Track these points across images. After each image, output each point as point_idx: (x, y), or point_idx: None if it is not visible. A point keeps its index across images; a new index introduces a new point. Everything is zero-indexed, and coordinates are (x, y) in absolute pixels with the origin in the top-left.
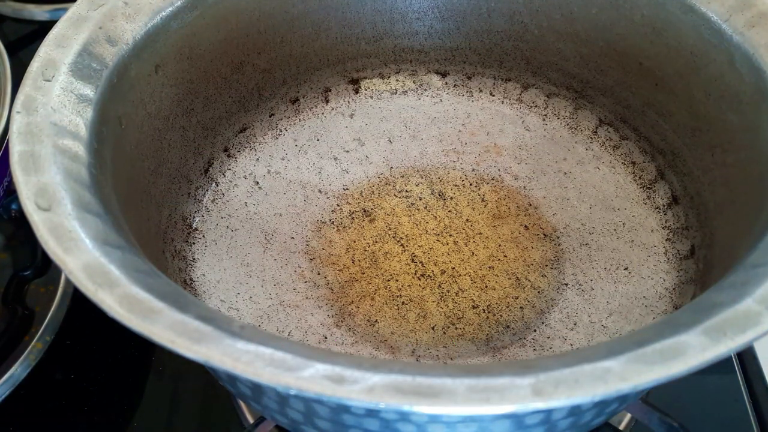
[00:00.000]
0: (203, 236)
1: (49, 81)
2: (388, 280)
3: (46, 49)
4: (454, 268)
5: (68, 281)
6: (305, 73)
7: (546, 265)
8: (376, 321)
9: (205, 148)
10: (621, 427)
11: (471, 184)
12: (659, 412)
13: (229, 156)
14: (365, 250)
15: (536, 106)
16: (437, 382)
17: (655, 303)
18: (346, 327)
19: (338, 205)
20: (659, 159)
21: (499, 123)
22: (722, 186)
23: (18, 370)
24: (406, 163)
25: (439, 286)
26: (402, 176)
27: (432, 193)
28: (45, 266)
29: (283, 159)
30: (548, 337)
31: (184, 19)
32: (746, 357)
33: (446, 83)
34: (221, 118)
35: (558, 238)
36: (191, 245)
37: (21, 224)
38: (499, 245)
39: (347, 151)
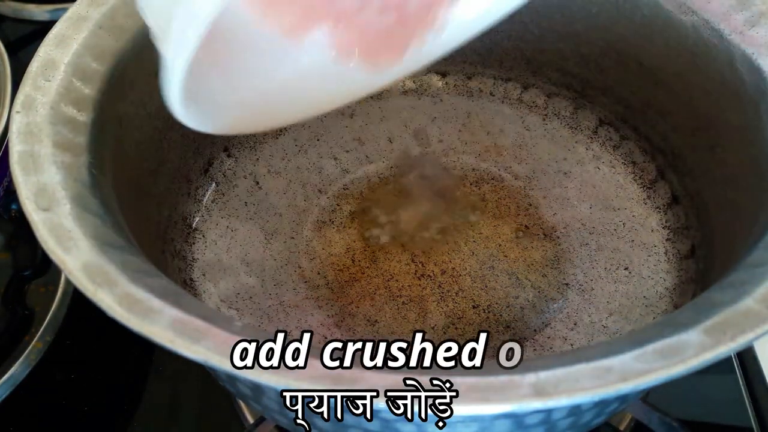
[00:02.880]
0: (203, 236)
1: (49, 81)
2: (388, 280)
3: (46, 49)
4: (454, 268)
5: (68, 281)
6: None
7: (546, 265)
8: (376, 321)
9: (205, 148)
10: (621, 427)
11: (471, 184)
12: (659, 412)
13: (229, 156)
14: (365, 250)
15: (536, 106)
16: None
17: (655, 303)
18: (346, 327)
19: (338, 205)
20: (659, 159)
21: (499, 123)
22: (722, 186)
23: (18, 370)
24: (406, 162)
25: (439, 286)
26: (402, 176)
27: (432, 193)
28: (45, 266)
29: (283, 159)
30: (548, 337)
31: None
32: (746, 357)
33: (446, 83)
34: None
35: (558, 238)
36: (191, 245)
37: (21, 224)
38: (499, 245)
39: (347, 151)
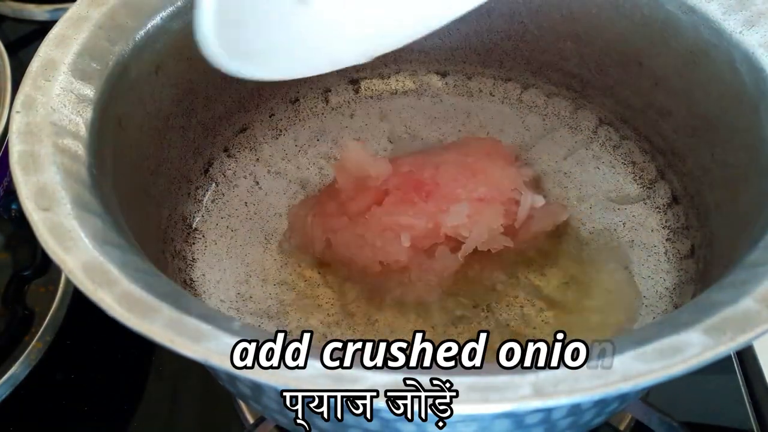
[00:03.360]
0: (203, 236)
1: (49, 81)
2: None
3: (46, 49)
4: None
5: (68, 281)
6: None
7: (546, 265)
8: (376, 320)
9: (205, 148)
10: (621, 427)
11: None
12: (659, 412)
13: (229, 156)
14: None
15: (536, 106)
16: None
17: (655, 303)
18: (346, 327)
19: None
20: (659, 159)
21: (499, 123)
22: (722, 186)
23: (18, 370)
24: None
25: (440, 285)
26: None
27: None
28: (45, 266)
29: (283, 159)
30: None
31: (185, 20)
32: (746, 357)
33: (446, 83)
34: (221, 118)
35: (558, 238)
36: (191, 245)
37: (21, 224)
38: None
39: None
